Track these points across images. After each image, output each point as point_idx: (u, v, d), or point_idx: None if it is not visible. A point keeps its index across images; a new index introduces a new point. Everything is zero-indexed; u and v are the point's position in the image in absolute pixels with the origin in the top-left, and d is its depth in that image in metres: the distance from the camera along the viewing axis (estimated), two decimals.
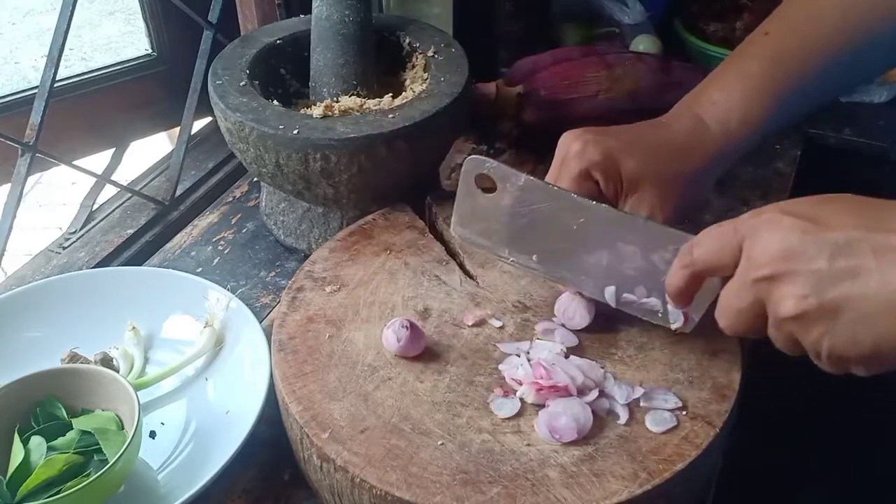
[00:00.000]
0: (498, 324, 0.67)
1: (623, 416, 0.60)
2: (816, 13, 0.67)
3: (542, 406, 0.60)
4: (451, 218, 0.77)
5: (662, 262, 0.61)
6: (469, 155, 0.66)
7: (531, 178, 0.64)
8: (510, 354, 0.65)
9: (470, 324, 0.67)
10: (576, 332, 0.66)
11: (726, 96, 0.66)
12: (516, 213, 0.65)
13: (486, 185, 0.65)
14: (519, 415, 0.60)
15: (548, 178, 0.66)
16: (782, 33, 0.67)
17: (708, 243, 0.54)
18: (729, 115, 0.66)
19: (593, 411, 0.60)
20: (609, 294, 0.64)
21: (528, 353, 0.64)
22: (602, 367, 0.63)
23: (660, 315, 0.64)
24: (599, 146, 0.64)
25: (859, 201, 0.49)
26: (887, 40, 0.66)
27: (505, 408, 0.60)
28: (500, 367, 0.63)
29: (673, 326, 0.63)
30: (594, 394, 0.61)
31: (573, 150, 0.64)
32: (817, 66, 0.66)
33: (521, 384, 0.61)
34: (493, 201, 0.65)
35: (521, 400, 0.61)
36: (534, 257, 0.66)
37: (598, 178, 0.64)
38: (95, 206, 0.96)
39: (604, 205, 0.62)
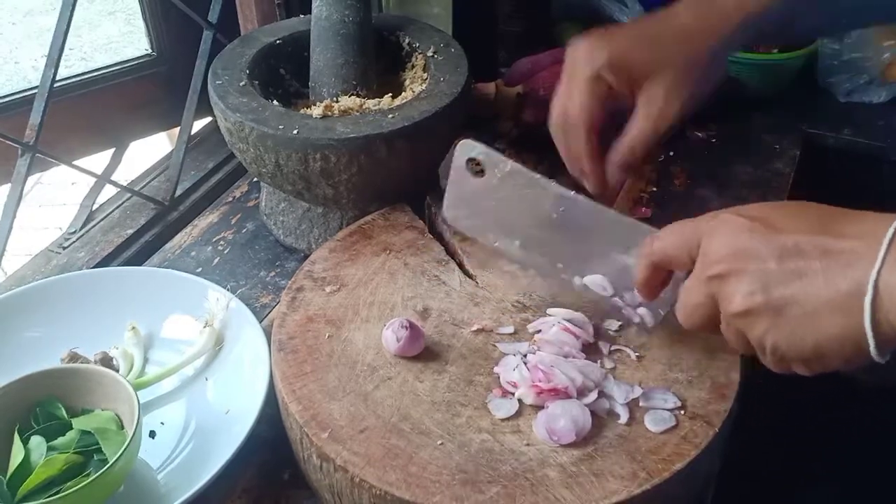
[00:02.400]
0: (508, 330, 0.67)
1: (624, 415, 0.60)
2: None
3: (541, 407, 0.60)
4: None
5: (631, 255, 0.62)
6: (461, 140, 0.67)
7: (517, 164, 0.66)
8: (508, 355, 0.65)
9: (475, 329, 0.67)
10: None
11: None
12: (502, 199, 0.67)
13: (476, 169, 0.67)
14: (518, 414, 0.60)
15: (560, 90, 0.66)
16: None
17: (667, 237, 0.56)
18: None
19: (593, 412, 0.60)
20: (578, 285, 0.66)
21: (525, 356, 0.64)
22: (602, 367, 0.63)
23: (624, 311, 0.65)
24: (605, 47, 0.63)
25: (811, 207, 0.50)
26: None
27: (503, 408, 0.60)
28: (496, 369, 0.63)
29: (636, 319, 0.65)
30: (594, 395, 0.61)
31: (580, 55, 0.64)
32: None
33: (515, 386, 0.61)
34: (482, 186, 0.67)
35: (520, 401, 0.61)
36: (517, 243, 0.68)
37: (610, 78, 0.63)
38: (95, 206, 0.96)
39: (582, 196, 0.64)
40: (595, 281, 0.65)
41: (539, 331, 0.66)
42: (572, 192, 0.65)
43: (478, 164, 0.67)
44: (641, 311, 0.64)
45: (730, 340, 0.53)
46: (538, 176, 0.65)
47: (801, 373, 0.50)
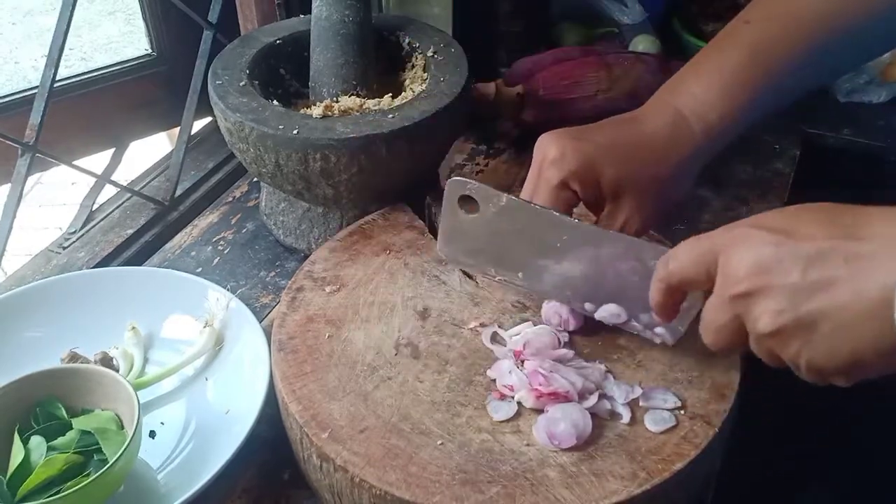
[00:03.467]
0: (494, 328, 0.67)
1: (626, 415, 0.60)
2: (799, 1, 0.65)
3: (540, 410, 0.60)
4: None
5: (644, 276, 0.60)
6: (451, 176, 0.67)
7: (513, 197, 0.64)
8: (500, 359, 0.64)
9: (472, 326, 0.67)
10: (573, 333, 0.67)
11: (704, 88, 0.64)
12: (500, 232, 0.66)
13: (469, 205, 0.66)
14: (518, 414, 0.60)
15: (526, 184, 0.66)
16: (763, 21, 0.65)
17: (682, 258, 0.54)
18: (708, 109, 0.64)
19: (594, 413, 0.60)
20: (591, 309, 0.65)
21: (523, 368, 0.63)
22: (603, 367, 0.63)
23: (642, 334, 0.64)
24: (577, 154, 0.62)
25: (829, 210, 0.49)
26: (872, 28, 0.64)
27: (501, 411, 0.60)
28: (490, 372, 0.63)
29: (657, 340, 0.64)
30: (594, 398, 0.60)
31: (549, 156, 0.63)
32: (799, 55, 0.64)
33: (512, 390, 0.61)
34: (477, 221, 0.66)
35: (519, 403, 0.61)
36: (519, 274, 0.67)
37: (577, 188, 0.63)
38: (95, 206, 0.96)
39: (585, 223, 0.63)
40: (608, 310, 0.64)
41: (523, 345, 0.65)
42: (575, 220, 0.63)
43: (471, 200, 0.66)
44: (659, 330, 0.63)
45: (761, 357, 0.51)
46: (536, 205, 0.64)
47: (840, 384, 0.48)
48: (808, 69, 0.66)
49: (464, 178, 0.66)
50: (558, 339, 0.65)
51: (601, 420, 0.60)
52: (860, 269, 0.45)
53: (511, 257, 0.67)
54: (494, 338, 0.66)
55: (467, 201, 0.66)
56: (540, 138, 0.65)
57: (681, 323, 0.61)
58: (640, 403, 0.61)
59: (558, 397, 0.60)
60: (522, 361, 0.63)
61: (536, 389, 0.60)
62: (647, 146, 0.64)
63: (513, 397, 0.61)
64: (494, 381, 0.63)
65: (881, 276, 0.44)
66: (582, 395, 0.60)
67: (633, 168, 0.63)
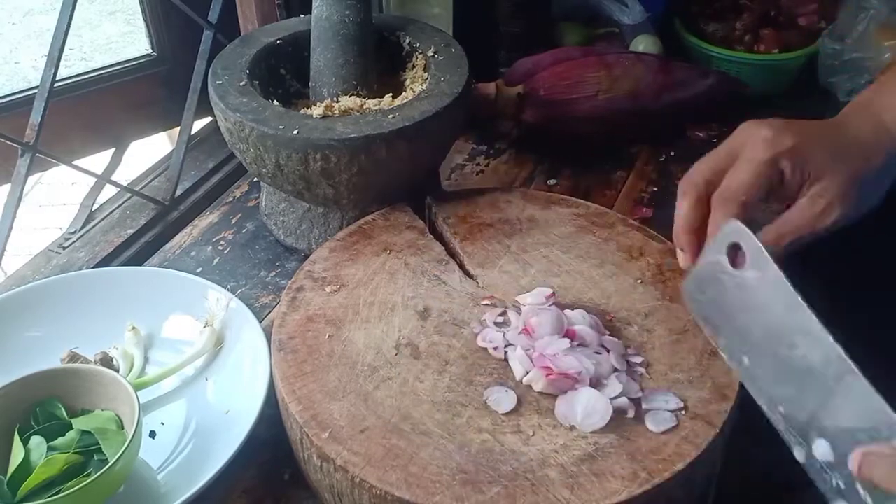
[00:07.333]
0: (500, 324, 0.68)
1: (630, 411, 0.60)
2: None
3: (551, 396, 0.60)
4: (451, 218, 0.77)
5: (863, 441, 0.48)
6: (732, 220, 0.57)
7: (781, 274, 0.53)
8: (488, 328, 0.66)
9: (474, 330, 0.67)
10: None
11: None
12: (750, 304, 0.56)
13: (735, 255, 0.57)
14: (519, 413, 0.60)
15: (721, 156, 0.64)
16: None
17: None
18: None
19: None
20: (796, 444, 0.53)
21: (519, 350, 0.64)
22: (619, 341, 0.64)
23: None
24: (791, 135, 0.64)
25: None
26: None
27: (503, 403, 0.60)
28: (478, 340, 0.65)
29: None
30: (616, 385, 0.61)
31: (761, 135, 0.64)
32: None
33: (497, 349, 0.63)
34: (735, 278, 0.57)
35: (519, 400, 0.61)
36: (745, 359, 0.56)
37: (786, 166, 0.63)
38: (95, 206, 0.96)
39: (835, 342, 0.50)
40: (822, 448, 0.51)
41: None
42: (828, 334, 0.50)
43: (741, 252, 0.56)
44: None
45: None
46: (797, 294, 0.52)
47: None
48: None
49: (744, 228, 0.56)
50: (563, 321, 0.65)
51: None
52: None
53: (747, 336, 0.56)
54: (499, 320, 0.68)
55: (737, 252, 0.57)
56: (744, 125, 0.66)
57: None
58: (643, 406, 0.61)
59: (569, 378, 0.60)
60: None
61: (547, 368, 0.60)
62: (853, 145, 0.66)
63: (504, 360, 0.63)
64: (485, 350, 0.64)
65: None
66: (598, 382, 0.61)
67: (841, 160, 0.65)
